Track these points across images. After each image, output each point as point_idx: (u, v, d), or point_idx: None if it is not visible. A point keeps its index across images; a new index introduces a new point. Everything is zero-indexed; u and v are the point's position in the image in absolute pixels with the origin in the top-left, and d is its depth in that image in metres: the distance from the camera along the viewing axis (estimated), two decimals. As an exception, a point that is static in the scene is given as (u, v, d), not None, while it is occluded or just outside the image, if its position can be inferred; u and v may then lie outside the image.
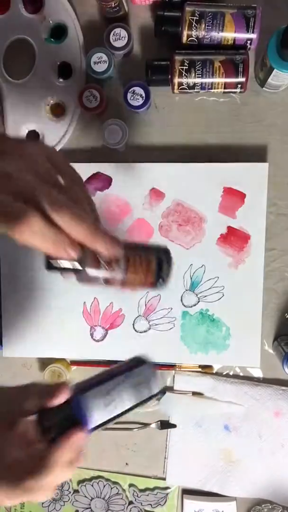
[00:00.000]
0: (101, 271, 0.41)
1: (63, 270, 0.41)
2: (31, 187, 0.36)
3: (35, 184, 0.36)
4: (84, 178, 0.68)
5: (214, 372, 0.68)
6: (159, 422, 0.69)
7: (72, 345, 0.69)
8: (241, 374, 0.68)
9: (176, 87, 0.64)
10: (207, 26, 0.61)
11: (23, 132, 0.69)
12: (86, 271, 0.41)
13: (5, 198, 0.35)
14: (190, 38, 0.62)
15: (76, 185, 0.41)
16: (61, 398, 0.38)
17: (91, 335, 0.69)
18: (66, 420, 0.38)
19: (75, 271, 0.41)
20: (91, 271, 0.41)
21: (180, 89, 0.64)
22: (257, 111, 0.67)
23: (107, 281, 0.43)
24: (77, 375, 0.71)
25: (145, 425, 0.69)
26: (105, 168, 0.68)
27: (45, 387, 0.39)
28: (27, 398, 0.38)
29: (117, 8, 0.64)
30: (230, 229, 0.66)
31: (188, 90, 0.64)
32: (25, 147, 0.39)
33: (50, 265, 0.40)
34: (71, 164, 0.42)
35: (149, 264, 0.44)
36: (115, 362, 0.69)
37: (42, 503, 0.72)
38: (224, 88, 0.63)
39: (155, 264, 0.44)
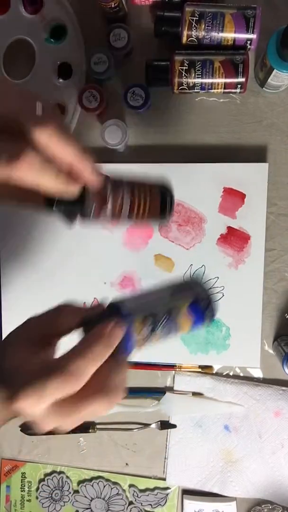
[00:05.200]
0: (108, 205, 0.41)
1: (65, 210, 0.40)
2: (14, 111, 0.36)
3: (18, 107, 0.37)
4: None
5: (214, 372, 0.68)
6: (159, 422, 0.69)
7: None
8: (241, 374, 0.68)
9: (176, 87, 0.64)
10: (207, 26, 0.61)
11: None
12: (91, 207, 0.40)
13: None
14: (190, 38, 0.62)
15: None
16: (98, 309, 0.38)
17: (91, 335, 0.69)
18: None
19: (79, 209, 0.40)
20: (97, 206, 0.40)
21: (180, 89, 0.64)
22: (257, 111, 0.67)
23: (113, 215, 0.42)
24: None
25: (145, 425, 0.69)
26: (105, 168, 0.67)
27: (78, 308, 0.39)
28: (62, 317, 0.38)
29: (117, 8, 0.64)
30: (230, 229, 0.66)
31: (188, 90, 0.64)
32: None
33: (51, 204, 0.39)
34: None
35: (154, 195, 0.43)
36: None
37: (42, 503, 0.72)
38: (224, 88, 0.63)
39: (160, 196, 0.43)
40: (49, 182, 0.37)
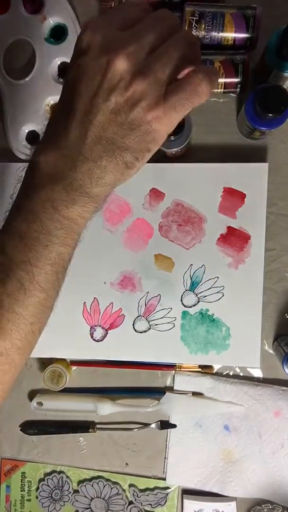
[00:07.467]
0: None
1: None
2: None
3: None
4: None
5: (214, 372, 0.68)
6: (159, 422, 0.69)
7: (72, 345, 0.69)
8: (241, 374, 0.68)
9: (176, 87, 0.64)
10: (207, 26, 0.61)
11: (23, 132, 0.69)
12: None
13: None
14: (190, 38, 0.62)
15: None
16: None
17: (91, 335, 0.69)
18: None
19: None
20: None
21: (180, 89, 0.64)
22: (257, 111, 0.67)
23: None
24: (77, 375, 0.71)
25: (145, 425, 0.69)
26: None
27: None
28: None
29: (117, 8, 0.64)
30: (230, 229, 0.66)
31: (188, 90, 0.64)
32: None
33: None
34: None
35: None
36: (115, 362, 0.69)
37: (42, 503, 0.72)
38: (224, 88, 0.63)
39: None
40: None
